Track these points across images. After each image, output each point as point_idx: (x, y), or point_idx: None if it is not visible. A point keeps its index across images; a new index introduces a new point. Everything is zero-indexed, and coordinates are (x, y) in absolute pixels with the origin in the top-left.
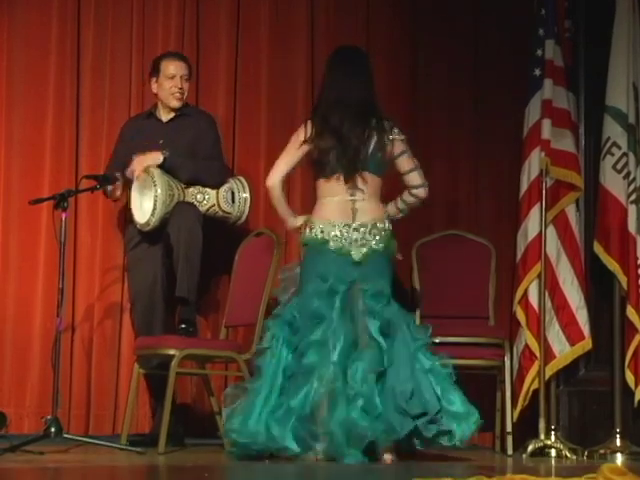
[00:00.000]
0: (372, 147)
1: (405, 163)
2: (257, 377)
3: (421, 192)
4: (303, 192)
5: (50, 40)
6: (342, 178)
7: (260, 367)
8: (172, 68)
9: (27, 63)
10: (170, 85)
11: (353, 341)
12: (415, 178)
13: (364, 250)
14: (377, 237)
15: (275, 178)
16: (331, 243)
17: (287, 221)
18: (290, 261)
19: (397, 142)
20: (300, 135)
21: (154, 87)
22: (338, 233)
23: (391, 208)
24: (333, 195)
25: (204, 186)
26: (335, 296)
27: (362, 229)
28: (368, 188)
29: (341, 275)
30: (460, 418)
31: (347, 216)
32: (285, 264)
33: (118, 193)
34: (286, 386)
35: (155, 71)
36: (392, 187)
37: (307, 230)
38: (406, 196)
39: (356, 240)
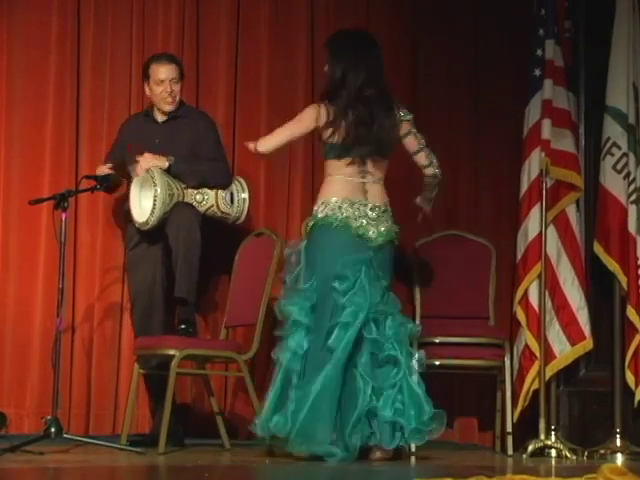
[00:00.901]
0: (388, 131)
1: (411, 144)
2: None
3: (429, 171)
4: (303, 195)
5: (50, 40)
6: (357, 161)
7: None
8: (160, 73)
9: (27, 63)
10: (160, 90)
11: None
12: (422, 158)
13: (381, 230)
14: (388, 222)
15: (270, 147)
16: (352, 221)
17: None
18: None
19: (404, 123)
20: (311, 114)
21: (147, 91)
22: (356, 211)
23: (421, 200)
24: (343, 174)
25: (211, 189)
26: (361, 264)
27: (377, 209)
28: (377, 172)
29: (354, 259)
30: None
31: (360, 195)
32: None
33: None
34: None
35: (146, 76)
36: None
37: (322, 208)
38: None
39: (373, 219)
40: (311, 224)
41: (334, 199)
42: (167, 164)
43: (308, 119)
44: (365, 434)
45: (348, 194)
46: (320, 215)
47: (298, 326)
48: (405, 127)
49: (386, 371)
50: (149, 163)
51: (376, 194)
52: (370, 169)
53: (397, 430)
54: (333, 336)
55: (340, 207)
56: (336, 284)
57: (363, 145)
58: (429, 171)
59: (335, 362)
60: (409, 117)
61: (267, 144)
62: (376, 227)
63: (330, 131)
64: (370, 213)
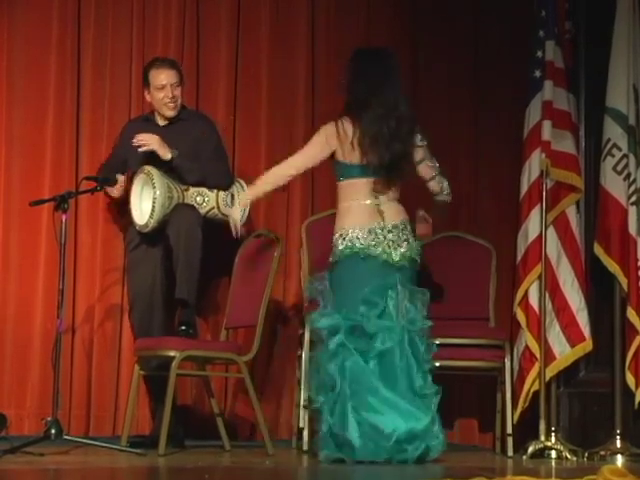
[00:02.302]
0: (406, 153)
1: (425, 171)
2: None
3: (439, 197)
4: (303, 196)
5: (50, 40)
6: (371, 182)
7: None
8: (161, 78)
9: (27, 63)
10: (162, 96)
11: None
12: (434, 185)
13: (402, 250)
14: (408, 240)
15: (287, 172)
16: (372, 250)
17: (250, 194)
18: (290, 262)
19: (420, 149)
20: (326, 135)
21: (148, 97)
22: (374, 237)
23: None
24: (357, 199)
25: (211, 189)
26: (388, 289)
27: (395, 230)
28: (391, 192)
29: (382, 285)
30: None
31: (376, 218)
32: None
33: (116, 193)
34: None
35: (146, 82)
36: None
37: (341, 241)
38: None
39: (393, 241)
40: (334, 260)
41: (351, 230)
42: (170, 155)
43: (322, 139)
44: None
45: (364, 221)
46: (340, 248)
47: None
48: (420, 154)
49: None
50: (153, 145)
51: (393, 213)
52: (384, 189)
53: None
54: (372, 365)
55: (358, 237)
56: (364, 309)
57: (382, 165)
58: (439, 198)
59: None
60: (424, 143)
61: (283, 168)
62: (396, 249)
63: (348, 150)
64: (389, 235)
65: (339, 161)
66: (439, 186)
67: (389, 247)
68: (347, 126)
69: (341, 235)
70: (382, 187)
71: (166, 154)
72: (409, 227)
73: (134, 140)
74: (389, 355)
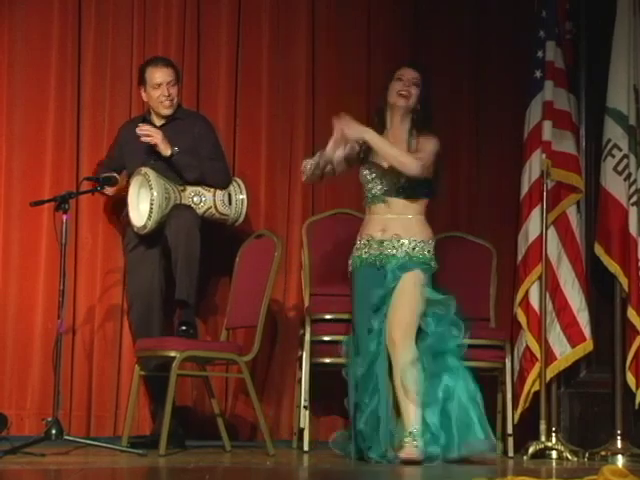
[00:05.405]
0: None
1: None
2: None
3: None
4: (303, 196)
5: (51, 41)
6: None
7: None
8: (157, 77)
9: (28, 63)
10: (158, 94)
11: None
12: None
13: None
14: None
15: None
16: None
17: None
18: (291, 263)
19: None
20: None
21: (144, 96)
22: None
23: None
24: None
25: (209, 187)
26: None
27: None
28: None
29: None
30: None
31: None
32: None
33: (110, 191)
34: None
35: (142, 80)
36: None
37: (431, 248)
38: None
39: None
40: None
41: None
42: (169, 152)
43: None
44: None
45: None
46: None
47: None
48: None
49: None
50: (157, 139)
51: None
52: None
53: None
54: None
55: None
56: None
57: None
58: None
59: None
60: None
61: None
62: None
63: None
64: None
65: (427, 178)
66: None
67: None
68: None
69: (432, 242)
70: None
71: (167, 150)
72: None
73: (137, 130)
74: None
